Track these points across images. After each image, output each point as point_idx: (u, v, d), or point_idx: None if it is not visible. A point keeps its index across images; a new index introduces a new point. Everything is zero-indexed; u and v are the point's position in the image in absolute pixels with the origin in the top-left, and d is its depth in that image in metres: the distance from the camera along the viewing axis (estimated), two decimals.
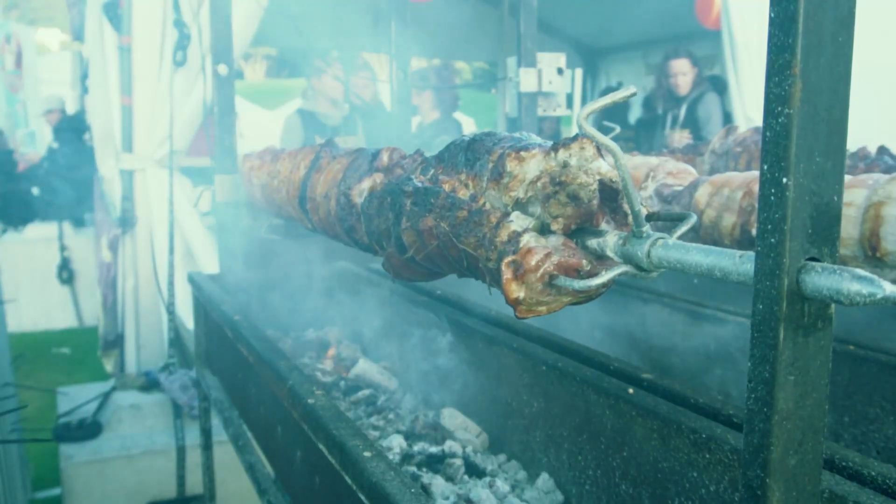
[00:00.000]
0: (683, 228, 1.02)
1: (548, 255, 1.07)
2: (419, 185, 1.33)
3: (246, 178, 2.73)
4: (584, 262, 1.09)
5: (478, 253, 1.18)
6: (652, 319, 2.52)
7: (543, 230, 1.12)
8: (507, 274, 1.08)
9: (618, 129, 3.89)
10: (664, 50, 5.94)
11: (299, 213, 2.11)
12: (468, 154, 1.27)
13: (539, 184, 1.10)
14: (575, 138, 1.08)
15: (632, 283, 2.59)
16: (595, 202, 1.08)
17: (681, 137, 5.09)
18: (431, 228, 1.27)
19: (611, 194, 1.10)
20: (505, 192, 1.15)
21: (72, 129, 8.12)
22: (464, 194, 1.24)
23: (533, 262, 1.06)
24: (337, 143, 2.09)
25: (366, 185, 1.65)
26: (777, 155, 0.71)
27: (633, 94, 0.95)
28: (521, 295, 1.08)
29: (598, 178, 1.08)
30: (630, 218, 1.03)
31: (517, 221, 1.13)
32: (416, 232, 1.32)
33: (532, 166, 1.12)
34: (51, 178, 7.72)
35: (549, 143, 1.15)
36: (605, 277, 1.01)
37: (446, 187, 1.28)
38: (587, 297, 1.13)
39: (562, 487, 1.73)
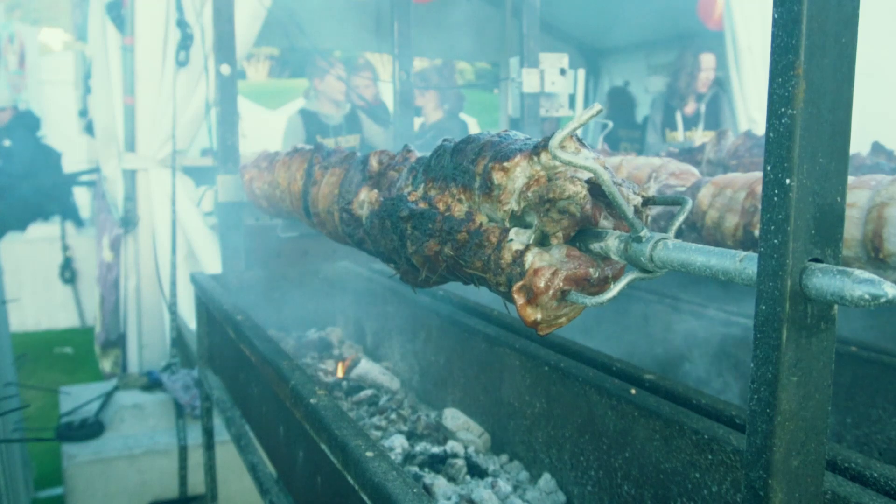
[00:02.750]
0: (681, 217, 1.02)
1: (555, 273, 1.07)
2: (414, 206, 1.33)
3: (248, 188, 2.74)
4: (592, 270, 1.09)
5: (487, 276, 1.18)
6: (654, 319, 2.52)
7: (545, 239, 1.11)
8: (519, 300, 1.08)
9: (611, 125, 3.88)
10: (666, 50, 5.90)
11: (308, 221, 2.12)
12: (453, 165, 1.26)
13: (530, 193, 1.10)
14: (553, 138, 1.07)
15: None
16: (588, 206, 1.08)
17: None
18: (437, 253, 1.27)
19: (601, 192, 1.09)
20: (498, 206, 1.14)
21: (24, 126, 8.04)
22: (459, 210, 1.24)
23: (542, 284, 1.06)
24: (325, 147, 2.10)
25: (363, 196, 1.65)
26: (780, 156, 0.71)
27: (599, 111, 0.95)
28: (538, 317, 1.09)
29: (585, 180, 1.08)
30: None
31: (517, 238, 1.12)
32: (422, 257, 1.32)
33: (518, 174, 1.11)
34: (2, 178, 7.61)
35: (531, 141, 1.15)
36: (615, 290, 1.01)
37: (440, 206, 1.27)
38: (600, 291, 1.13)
39: (564, 488, 1.73)
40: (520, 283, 1.08)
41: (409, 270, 1.43)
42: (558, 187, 1.06)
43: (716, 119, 5.48)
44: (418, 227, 1.30)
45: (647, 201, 1.09)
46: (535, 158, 1.09)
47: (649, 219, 1.12)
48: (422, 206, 1.32)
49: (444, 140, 1.36)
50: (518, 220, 1.14)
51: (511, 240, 1.13)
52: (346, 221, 1.73)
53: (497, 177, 1.12)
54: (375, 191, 1.57)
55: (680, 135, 5.51)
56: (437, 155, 1.34)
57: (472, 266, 1.20)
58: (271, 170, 2.47)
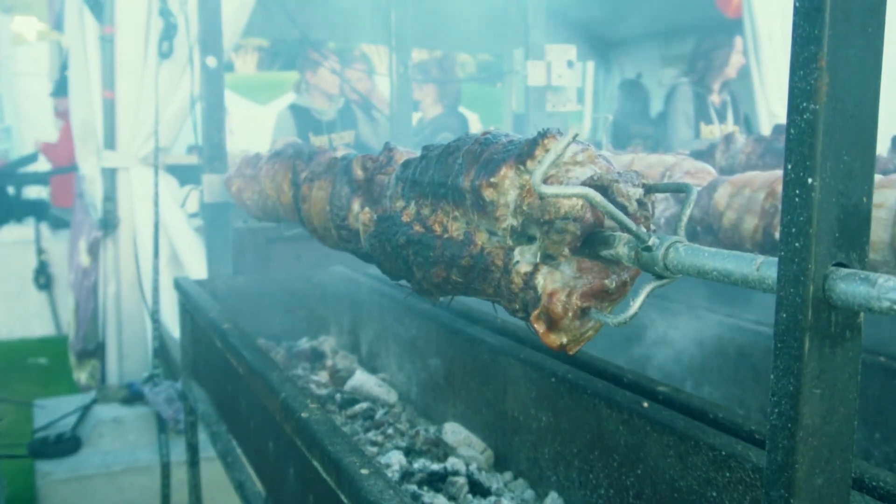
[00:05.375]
0: (688, 210, 1.02)
1: (570, 294, 1.07)
2: (409, 230, 1.34)
3: (238, 199, 2.76)
4: (608, 281, 1.09)
5: (501, 303, 1.19)
6: (666, 326, 2.52)
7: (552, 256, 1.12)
8: (540, 329, 1.09)
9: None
10: (681, 40, 5.83)
11: (307, 230, 2.13)
12: (440, 181, 1.27)
13: (525, 207, 1.10)
14: (536, 143, 1.08)
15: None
16: (588, 215, 1.08)
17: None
18: (445, 279, 1.28)
19: (599, 191, 1.09)
20: (496, 223, 1.15)
21: None
22: (457, 230, 1.24)
23: (560, 309, 1.07)
24: (304, 151, 2.11)
25: (356, 208, 1.66)
26: (802, 153, 0.71)
27: (576, 136, 0.98)
28: (564, 340, 1.10)
29: (583, 181, 1.08)
30: (632, 211, 1.04)
31: (523, 259, 1.13)
32: (431, 284, 1.33)
33: (508, 186, 1.11)
34: None
35: (514, 145, 1.14)
36: (635, 306, 1.01)
37: (437, 227, 1.28)
38: (622, 297, 1.14)
39: None
40: (536, 312, 1.09)
41: (423, 289, 1.44)
42: (552, 206, 1.06)
43: (738, 110, 5.42)
44: (420, 253, 1.31)
45: (649, 189, 1.09)
46: (522, 167, 1.09)
47: (655, 206, 1.12)
48: (417, 229, 1.32)
49: (426, 148, 1.37)
50: (520, 233, 1.14)
51: (517, 262, 1.13)
52: (345, 238, 1.74)
53: (487, 193, 1.13)
54: (367, 209, 1.57)
55: (717, 129, 5.20)
56: (422, 168, 1.34)
57: (485, 292, 1.21)
58: (257, 179, 2.47)
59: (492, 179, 1.12)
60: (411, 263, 1.35)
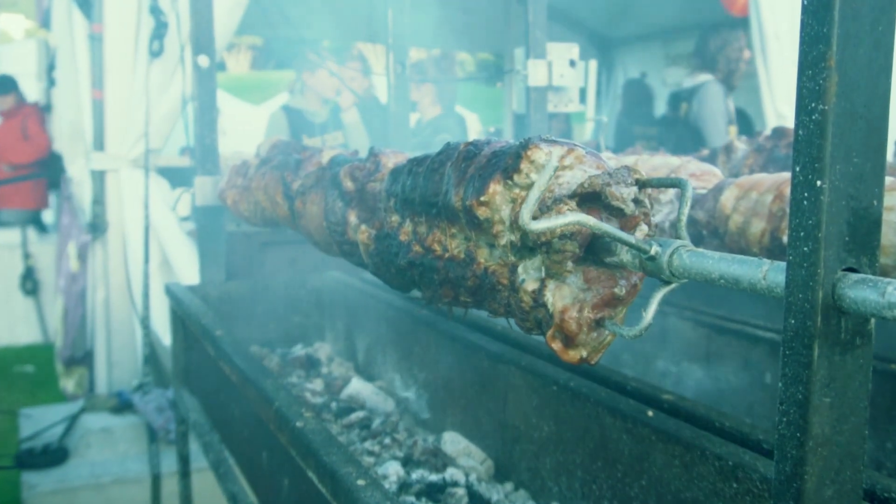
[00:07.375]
0: (686, 208, 1.02)
1: (582, 308, 1.08)
2: (410, 252, 1.34)
3: (235, 211, 2.76)
4: (616, 289, 1.09)
5: (515, 321, 1.19)
6: (673, 334, 2.52)
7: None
8: (557, 347, 1.10)
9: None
10: (685, 38, 5.80)
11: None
12: (431, 201, 1.27)
13: (519, 223, 1.11)
14: (520, 155, 1.08)
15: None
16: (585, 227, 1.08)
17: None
18: (455, 298, 1.29)
19: (592, 197, 1.09)
20: (494, 240, 1.15)
21: None
22: (457, 248, 1.24)
23: (574, 326, 1.08)
24: (291, 161, 2.11)
25: (353, 220, 1.67)
26: (811, 155, 0.71)
27: (556, 168, 1.00)
28: (583, 354, 1.10)
29: (574, 190, 1.08)
30: (629, 213, 1.04)
31: (528, 276, 1.13)
32: (442, 302, 1.33)
33: (499, 202, 1.12)
34: None
35: (499, 156, 1.14)
36: (649, 316, 1.01)
37: (436, 247, 1.28)
38: (634, 297, 1.14)
39: None
40: (551, 332, 1.09)
41: (434, 304, 1.44)
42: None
43: (740, 111, 5.41)
44: (424, 275, 1.32)
45: (643, 184, 1.09)
46: (510, 182, 1.10)
47: (652, 200, 1.12)
48: (416, 249, 1.33)
49: (412, 162, 1.37)
50: (521, 247, 1.14)
51: (523, 280, 1.13)
52: (348, 252, 1.75)
53: (480, 212, 1.13)
54: (364, 227, 1.57)
55: (734, 129, 5.04)
56: (410, 186, 1.34)
57: (496, 311, 1.21)
58: (250, 190, 2.48)
59: (482, 198, 1.12)
60: (418, 283, 1.36)
